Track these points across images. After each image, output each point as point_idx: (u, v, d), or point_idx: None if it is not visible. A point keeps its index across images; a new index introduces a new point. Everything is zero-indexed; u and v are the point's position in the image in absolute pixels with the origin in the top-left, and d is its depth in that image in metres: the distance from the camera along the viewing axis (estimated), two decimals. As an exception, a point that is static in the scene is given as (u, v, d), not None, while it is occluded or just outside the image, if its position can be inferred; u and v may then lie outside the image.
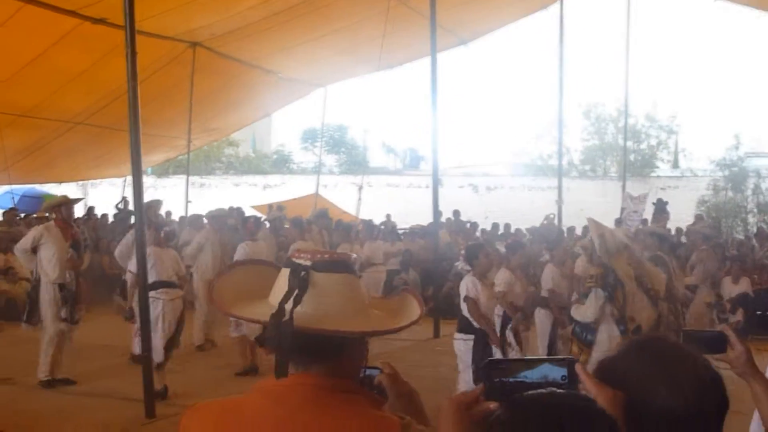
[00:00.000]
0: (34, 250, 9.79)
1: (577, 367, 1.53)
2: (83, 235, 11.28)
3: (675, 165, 38.58)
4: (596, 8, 51.67)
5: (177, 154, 25.88)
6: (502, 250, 10.34)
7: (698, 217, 22.42)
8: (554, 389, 1.41)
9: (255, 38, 18.00)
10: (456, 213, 21.54)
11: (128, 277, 10.52)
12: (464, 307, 8.05)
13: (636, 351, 1.69)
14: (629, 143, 31.17)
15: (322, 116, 25.88)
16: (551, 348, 9.71)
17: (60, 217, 10.03)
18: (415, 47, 19.04)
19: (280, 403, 1.70)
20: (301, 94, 24.81)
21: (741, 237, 22.70)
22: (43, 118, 18.93)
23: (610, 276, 8.50)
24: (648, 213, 18.38)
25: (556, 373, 1.50)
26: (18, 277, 13.90)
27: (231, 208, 15.07)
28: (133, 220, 11.85)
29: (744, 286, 13.74)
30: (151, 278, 9.25)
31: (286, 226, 15.24)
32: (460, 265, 12.86)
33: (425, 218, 18.34)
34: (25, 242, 9.90)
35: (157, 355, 9.03)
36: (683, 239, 17.60)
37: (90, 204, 24.46)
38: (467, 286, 8.05)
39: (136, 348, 9.44)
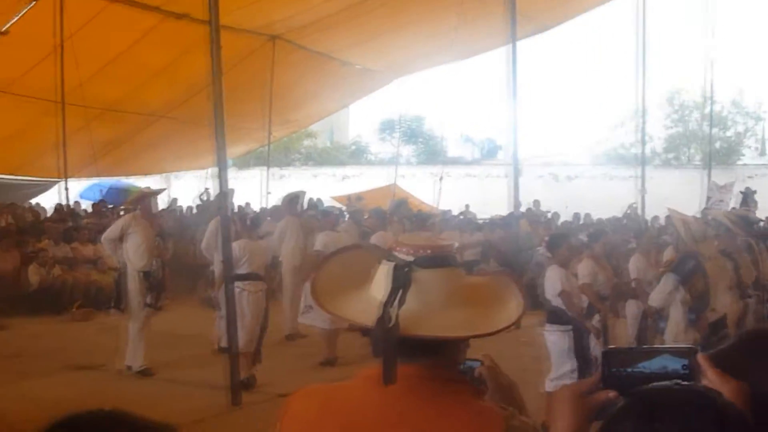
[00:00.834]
0: (121, 239, 10.02)
1: (700, 358, 1.48)
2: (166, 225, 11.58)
3: (762, 153, 37.44)
4: (679, -9, 50.40)
5: (257, 145, 26.27)
6: (584, 240, 10.23)
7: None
8: (678, 381, 1.38)
9: (333, 30, 18.14)
10: (536, 203, 21.37)
11: (216, 268, 10.75)
12: (557, 300, 7.97)
13: (758, 342, 1.62)
14: (714, 130, 30.31)
15: (399, 107, 25.95)
16: (640, 338, 9.59)
17: (145, 208, 10.29)
18: (492, 36, 18.92)
19: (385, 391, 1.70)
20: (379, 85, 24.92)
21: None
22: (127, 112, 19.47)
23: (689, 262, 8.35)
24: (734, 202, 17.94)
25: (676, 363, 1.46)
26: (107, 266, 14.31)
27: (302, 192, 15.12)
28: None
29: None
30: (242, 269, 9.43)
31: (366, 216, 15.33)
32: (541, 250, 12.71)
33: (504, 208, 18.23)
34: (113, 231, 10.14)
35: (243, 345, 9.11)
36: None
37: (173, 196, 24.99)
38: (560, 278, 7.95)
39: (222, 339, 9.61)
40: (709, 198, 18.83)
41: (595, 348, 7.76)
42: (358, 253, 2.01)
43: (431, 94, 50.71)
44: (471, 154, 44.64)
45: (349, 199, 22.14)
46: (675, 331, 8.48)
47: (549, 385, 7.72)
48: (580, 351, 7.83)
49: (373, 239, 11.60)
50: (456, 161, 36.93)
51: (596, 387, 1.49)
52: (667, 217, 14.38)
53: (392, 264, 1.78)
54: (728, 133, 37.27)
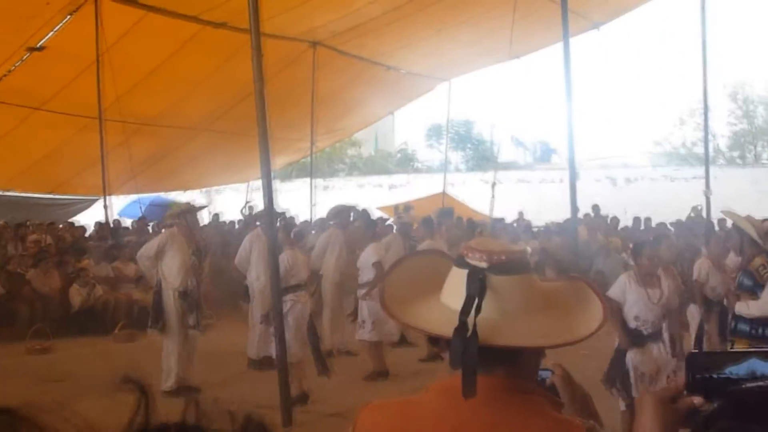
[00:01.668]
0: (158, 256, 10.13)
1: None
2: (205, 243, 11.69)
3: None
4: (740, -20, 49.65)
5: (300, 156, 26.42)
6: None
7: None
8: None
9: (376, 34, 18.17)
10: (595, 208, 21.15)
11: (250, 282, 10.84)
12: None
13: None
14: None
15: (446, 111, 25.91)
16: (698, 344, 9.47)
17: (184, 224, 10.35)
18: (544, 34, 18.80)
19: (461, 404, 1.69)
20: (425, 90, 24.93)
21: None
22: (167, 126, 19.69)
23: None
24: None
25: (766, 368, 1.44)
26: (149, 285, 14.50)
27: (352, 206, 15.22)
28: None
29: None
30: (292, 281, 9.53)
31: (415, 227, 15.35)
32: (625, 256, 12.49)
33: (560, 214, 18.07)
34: (149, 249, 10.26)
35: (292, 357, 9.15)
36: None
37: (215, 211, 25.23)
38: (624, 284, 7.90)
39: (271, 350, 9.67)
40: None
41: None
42: (426, 259, 2.01)
43: (480, 97, 50.61)
44: (523, 159, 44.45)
45: (396, 210, 22.14)
46: None
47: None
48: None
49: (424, 246, 11.67)
50: (508, 166, 36.79)
51: (681, 393, 1.48)
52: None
53: (466, 271, 1.77)
54: (798, 129, 36.64)
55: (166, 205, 22.62)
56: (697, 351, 1.49)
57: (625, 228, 20.16)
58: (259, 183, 9.96)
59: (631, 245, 9.42)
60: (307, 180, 24.27)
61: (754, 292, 7.98)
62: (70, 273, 15.04)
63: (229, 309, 14.81)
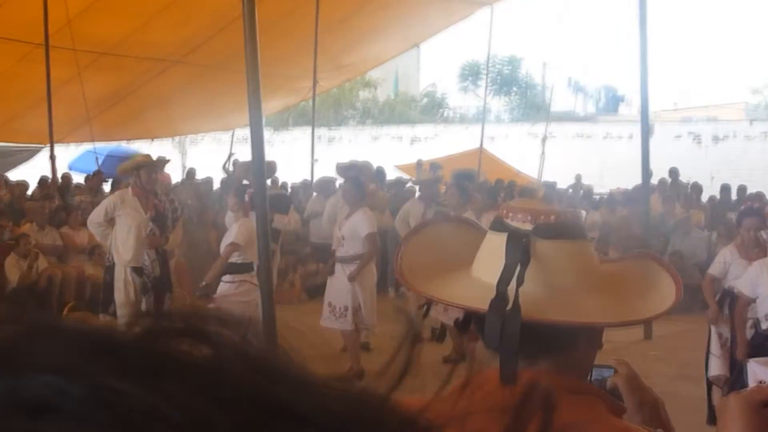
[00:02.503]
0: (110, 223, 10.19)
1: None
2: (174, 206, 11.68)
3: None
4: None
5: (299, 99, 26.36)
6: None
7: None
8: None
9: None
10: (673, 172, 21.10)
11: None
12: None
13: None
14: None
15: (487, 46, 25.75)
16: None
17: (138, 184, 10.30)
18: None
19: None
20: (460, 17, 24.74)
21: None
22: (130, 56, 19.62)
23: None
24: None
25: None
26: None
27: (368, 163, 15.25)
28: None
29: None
30: (240, 259, 9.69)
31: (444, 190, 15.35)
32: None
33: (629, 180, 18.06)
34: (97, 214, 10.31)
35: None
36: None
37: (189, 166, 25.25)
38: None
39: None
40: None
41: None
42: (453, 227, 2.05)
43: (530, 29, 50.21)
44: (583, 108, 44.30)
45: (419, 168, 22.13)
46: None
47: None
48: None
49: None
50: (563, 117, 36.70)
51: None
52: None
53: (505, 234, 1.78)
54: None
55: (129, 157, 22.67)
56: None
57: (712, 199, 20.10)
58: (246, 132, 9.97)
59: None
60: (308, 129, 24.26)
61: None
62: (7, 240, 15.12)
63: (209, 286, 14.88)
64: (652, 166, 15.43)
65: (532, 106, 39.22)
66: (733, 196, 19.91)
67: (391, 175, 21.35)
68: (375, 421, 0.60)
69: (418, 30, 24.76)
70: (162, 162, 11.39)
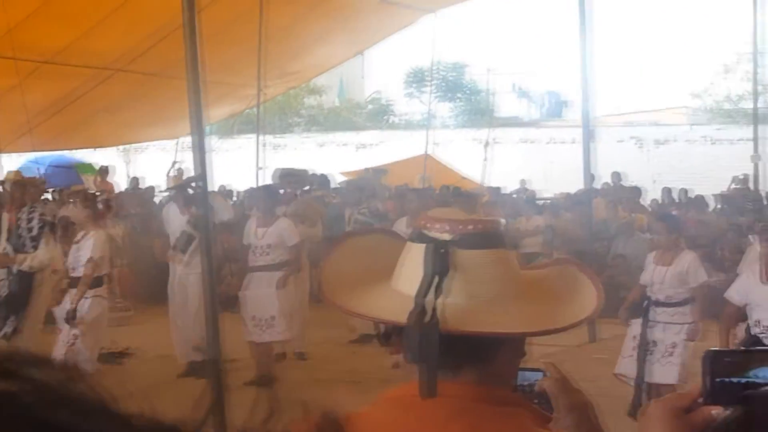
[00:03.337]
0: None
1: None
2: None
3: None
4: None
5: (244, 107, 26.27)
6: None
7: None
8: None
9: (343, -49, 18.07)
10: (616, 176, 21.29)
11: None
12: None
13: None
14: None
15: (431, 52, 25.81)
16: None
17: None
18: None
19: (421, 419, 1.70)
20: (404, 23, 24.78)
21: None
22: (72, 65, 19.44)
23: None
24: None
25: None
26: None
27: (308, 171, 15.20)
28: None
29: None
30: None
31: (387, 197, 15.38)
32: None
33: (573, 184, 18.17)
34: None
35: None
36: None
37: (134, 174, 25.09)
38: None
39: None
40: None
41: None
42: (372, 239, 2.06)
43: (474, 35, 50.49)
44: (527, 113, 44.54)
45: (366, 174, 22.14)
46: None
47: None
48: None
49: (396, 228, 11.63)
50: (508, 122, 36.84)
51: (696, 402, 1.46)
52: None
53: (423, 245, 1.77)
54: None
55: (72, 167, 22.44)
56: (716, 350, 1.49)
57: (654, 202, 20.30)
58: (191, 140, 9.91)
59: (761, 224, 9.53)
60: (253, 137, 24.16)
61: None
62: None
63: (153, 299, 14.70)
64: (596, 170, 15.57)
65: (477, 111, 39.36)
66: (675, 199, 20.13)
67: (338, 180, 21.38)
68: None
69: (362, 37, 24.78)
70: (103, 171, 11.24)
